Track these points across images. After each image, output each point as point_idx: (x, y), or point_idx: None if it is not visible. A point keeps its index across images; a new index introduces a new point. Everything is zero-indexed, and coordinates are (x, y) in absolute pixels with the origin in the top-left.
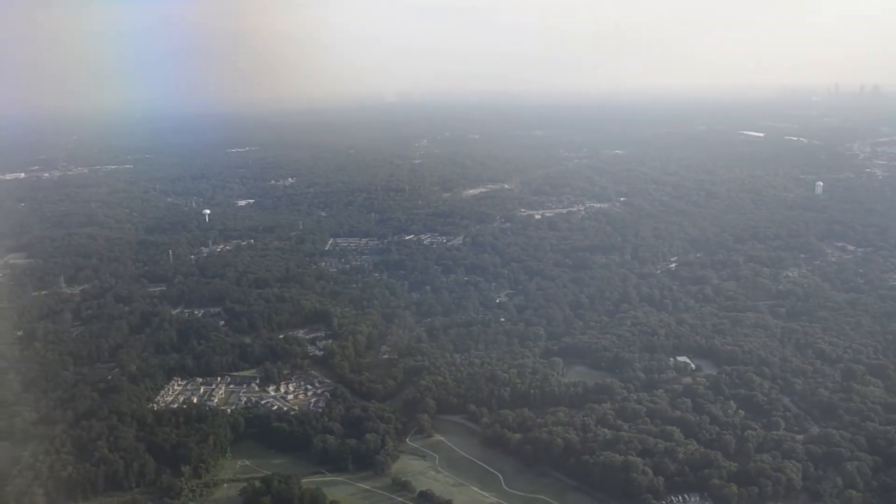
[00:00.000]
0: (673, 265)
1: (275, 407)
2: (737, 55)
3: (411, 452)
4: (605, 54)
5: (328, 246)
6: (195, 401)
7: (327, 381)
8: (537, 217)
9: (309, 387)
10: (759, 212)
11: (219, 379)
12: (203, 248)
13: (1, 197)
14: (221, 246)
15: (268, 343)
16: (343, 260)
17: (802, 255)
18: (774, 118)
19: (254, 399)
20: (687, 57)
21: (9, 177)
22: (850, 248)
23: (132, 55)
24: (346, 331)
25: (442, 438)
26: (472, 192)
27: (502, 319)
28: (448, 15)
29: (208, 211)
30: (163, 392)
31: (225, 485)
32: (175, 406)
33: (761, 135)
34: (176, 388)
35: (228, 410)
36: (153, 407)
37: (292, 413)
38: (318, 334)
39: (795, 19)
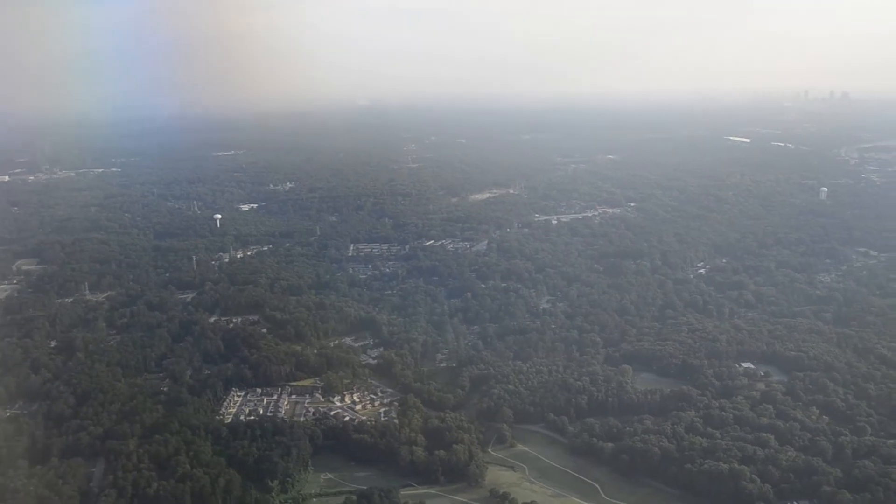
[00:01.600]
0: (702, 270)
1: (346, 418)
2: (705, 61)
3: (498, 463)
4: (575, 60)
5: (350, 251)
6: (261, 412)
7: (389, 390)
8: (554, 222)
9: (373, 396)
10: (773, 217)
11: (280, 389)
12: (221, 253)
13: None
14: (242, 252)
15: (322, 352)
16: (370, 266)
17: (828, 261)
18: (753, 124)
19: (322, 410)
20: (655, 63)
21: None
22: (874, 253)
23: (104, 54)
24: (398, 339)
25: (525, 448)
26: (478, 196)
27: (553, 326)
28: (417, 18)
29: (219, 216)
30: (225, 404)
31: (314, 500)
32: (243, 418)
33: (748, 140)
34: (236, 399)
35: (300, 421)
36: (223, 419)
37: (367, 424)
38: (367, 342)
39: (763, 26)
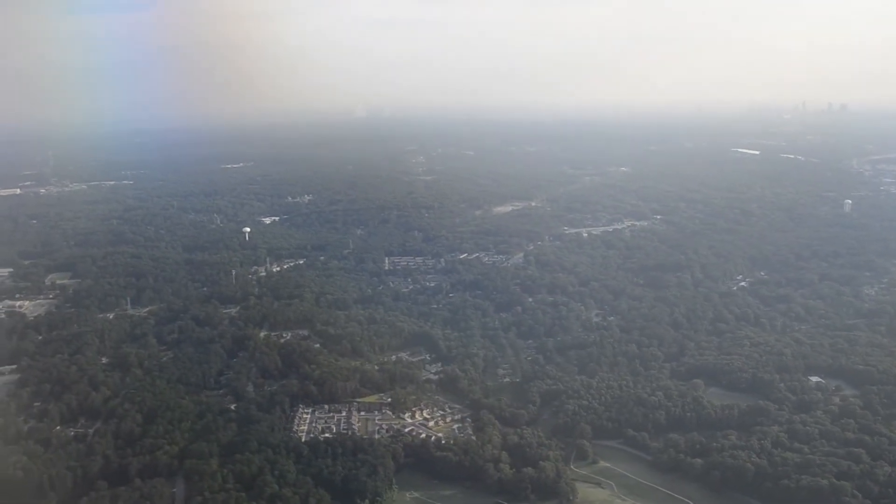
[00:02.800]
0: (743, 283)
1: (422, 435)
2: (699, 73)
3: (584, 480)
4: (568, 72)
5: (387, 265)
6: (334, 429)
7: (456, 406)
8: (585, 235)
9: (441, 412)
10: (802, 230)
11: (348, 406)
12: (256, 267)
13: (9, 214)
14: (277, 266)
15: (384, 367)
16: (410, 279)
17: (867, 273)
18: (755, 135)
19: (395, 427)
20: (649, 75)
21: (3, 193)
22: None
23: (102, 65)
24: (457, 354)
25: (607, 465)
26: (501, 209)
27: (611, 340)
28: (411, 29)
29: (248, 229)
30: (296, 421)
31: None
32: (317, 435)
33: (756, 152)
34: (304, 416)
35: (377, 439)
36: (299, 437)
37: (450, 441)
38: (423, 357)
39: (759, 38)
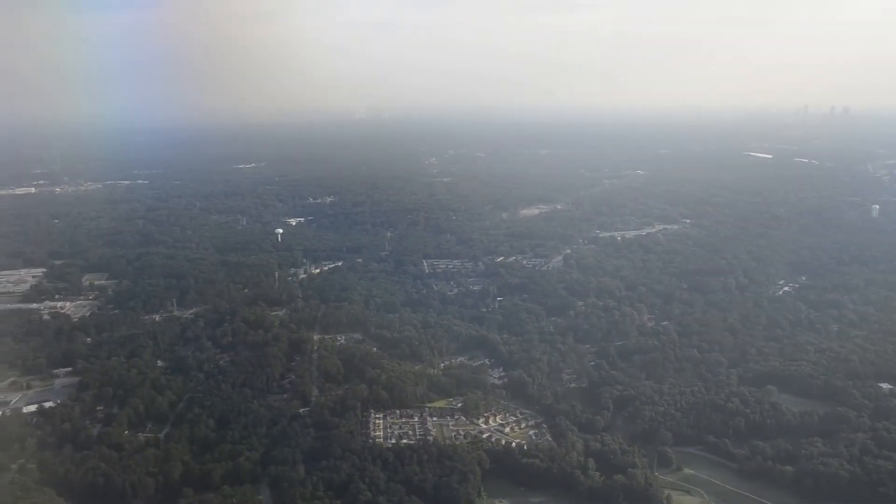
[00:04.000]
0: (787, 288)
1: (503, 441)
2: (696, 77)
3: (672, 487)
4: (564, 75)
5: (426, 268)
6: (410, 434)
7: (526, 411)
8: (619, 238)
9: (513, 418)
10: (835, 235)
11: (421, 411)
12: (293, 269)
13: (30, 213)
14: (316, 268)
15: (449, 371)
16: (453, 283)
17: None
18: (763, 139)
19: (472, 432)
20: (646, 79)
21: (19, 191)
22: None
23: (103, 65)
24: (519, 358)
25: (692, 471)
26: (527, 212)
27: (673, 346)
28: (406, 32)
29: (280, 230)
30: (371, 426)
31: None
32: (396, 441)
33: (769, 156)
34: (377, 421)
35: (460, 445)
36: (382, 443)
37: (528, 447)
38: (483, 362)
39: (755, 43)
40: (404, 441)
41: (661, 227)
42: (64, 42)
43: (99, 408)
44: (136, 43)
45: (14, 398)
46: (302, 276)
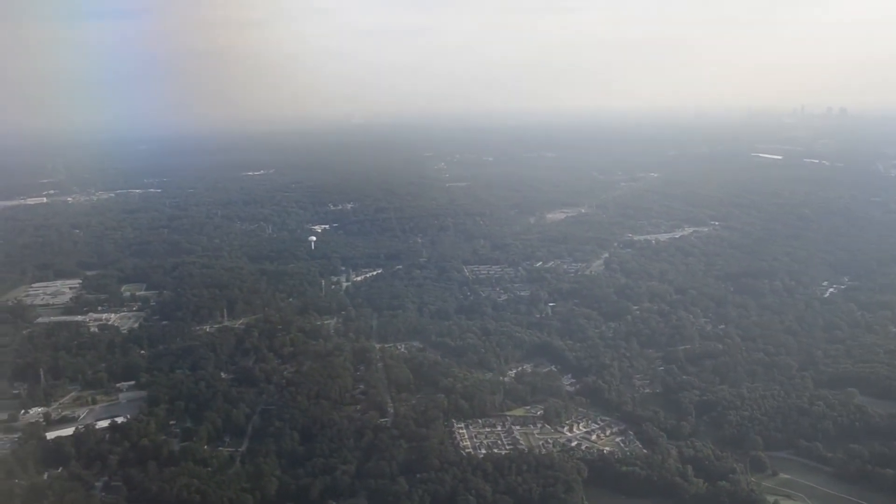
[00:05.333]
0: (832, 290)
1: (593, 449)
2: (691, 79)
3: (772, 492)
4: (554, 79)
5: (468, 274)
6: (499, 444)
7: (606, 418)
8: (653, 242)
9: (595, 425)
10: (866, 234)
11: (502, 420)
12: (333, 277)
13: (48, 223)
14: (357, 275)
15: (523, 379)
16: (499, 288)
17: None
18: (767, 140)
19: (560, 441)
20: (637, 81)
21: (30, 202)
22: None
23: (96, 73)
24: (588, 364)
25: (788, 476)
26: (553, 216)
27: (741, 350)
28: (399, 37)
29: (314, 238)
30: (456, 436)
31: None
32: (488, 451)
33: (779, 157)
34: (461, 430)
35: (554, 453)
36: (474, 454)
37: (621, 455)
38: (550, 368)
39: (751, 42)
40: (494, 451)
41: (692, 229)
42: (58, 51)
43: (172, 422)
44: (130, 51)
45: (81, 413)
46: (345, 283)
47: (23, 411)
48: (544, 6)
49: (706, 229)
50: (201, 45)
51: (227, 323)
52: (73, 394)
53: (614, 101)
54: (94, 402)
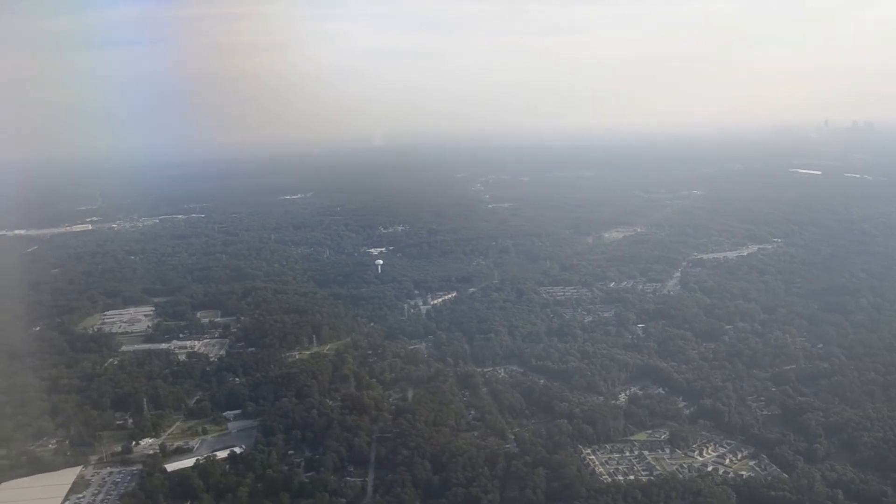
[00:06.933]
0: None
1: (730, 474)
2: (709, 96)
3: None
4: (569, 97)
5: (544, 295)
6: (634, 470)
7: (731, 441)
8: (722, 260)
9: (722, 448)
10: None
11: (629, 445)
12: (409, 300)
13: (101, 250)
14: (434, 299)
15: (641, 402)
16: (581, 310)
17: None
18: (801, 155)
19: (695, 466)
20: (654, 100)
21: (76, 228)
22: None
23: (112, 100)
24: (700, 386)
25: None
26: (610, 235)
27: (851, 369)
28: (411, 59)
29: (381, 262)
30: (589, 463)
31: None
32: (624, 478)
33: (818, 173)
34: (590, 457)
35: (698, 479)
36: (616, 480)
37: (764, 480)
38: (658, 390)
39: (765, 59)
40: (630, 477)
41: (756, 247)
42: (77, 79)
43: (290, 452)
44: (148, 78)
45: (194, 444)
46: (423, 307)
47: (134, 442)
48: (554, 27)
49: (770, 247)
50: (217, 70)
51: (316, 349)
52: (178, 423)
53: (633, 120)
54: (205, 432)
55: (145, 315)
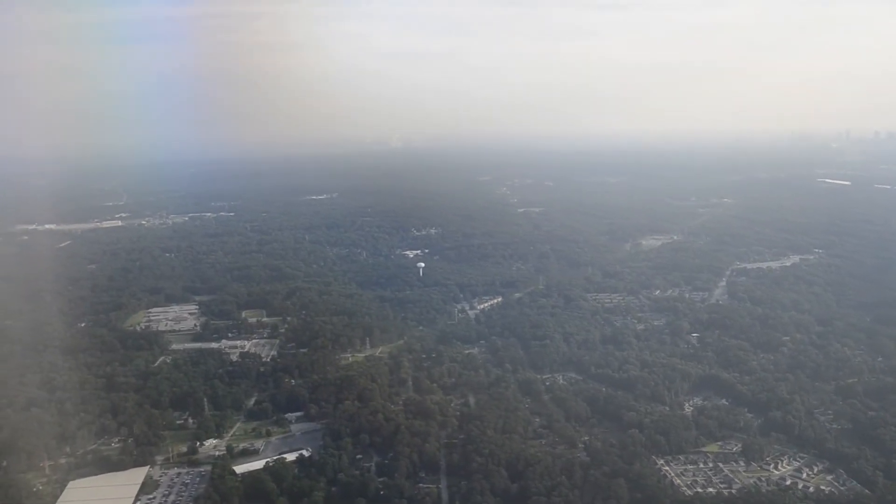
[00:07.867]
0: None
1: (810, 489)
2: (736, 103)
3: None
4: (587, 102)
5: (591, 302)
6: (709, 481)
7: (804, 455)
8: (766, 270)
9: (796, 462)
10: None
11: (704, 457)
12: (455, 304)
13: (137, 247)
14: (481, 303)
15: (707, 413)
16: (631, 318)
17: None
18: (827, 166)
19: (772, 479)
20: (670, 107)
21: (105, 225)
22: None
23: (130, 97)
24: (766, 398)
25: None
26: (648, 243)
27: None
28: (427, 61)
29: (423, 265)
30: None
31: None
32: (702, 490)
33: (847, 183)
34: (664, 468)
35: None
36: (695, 491)
37: (841, 495)
38: (722, 401)
39: (789, 66)
40: (710, 489)
41: (798, 257)
42: (95, 75)
43: (358, 456)
44: (166, 75)
45: (259, 445)
46: (470, 311)
47: (198, 443)
48: (570, 32)
49: (812, 257)
50: (234, 69)
51: (368, 351)
52: (239, 424)
53: (643, 125)
54: (269, 434)
55: (190, 313)
